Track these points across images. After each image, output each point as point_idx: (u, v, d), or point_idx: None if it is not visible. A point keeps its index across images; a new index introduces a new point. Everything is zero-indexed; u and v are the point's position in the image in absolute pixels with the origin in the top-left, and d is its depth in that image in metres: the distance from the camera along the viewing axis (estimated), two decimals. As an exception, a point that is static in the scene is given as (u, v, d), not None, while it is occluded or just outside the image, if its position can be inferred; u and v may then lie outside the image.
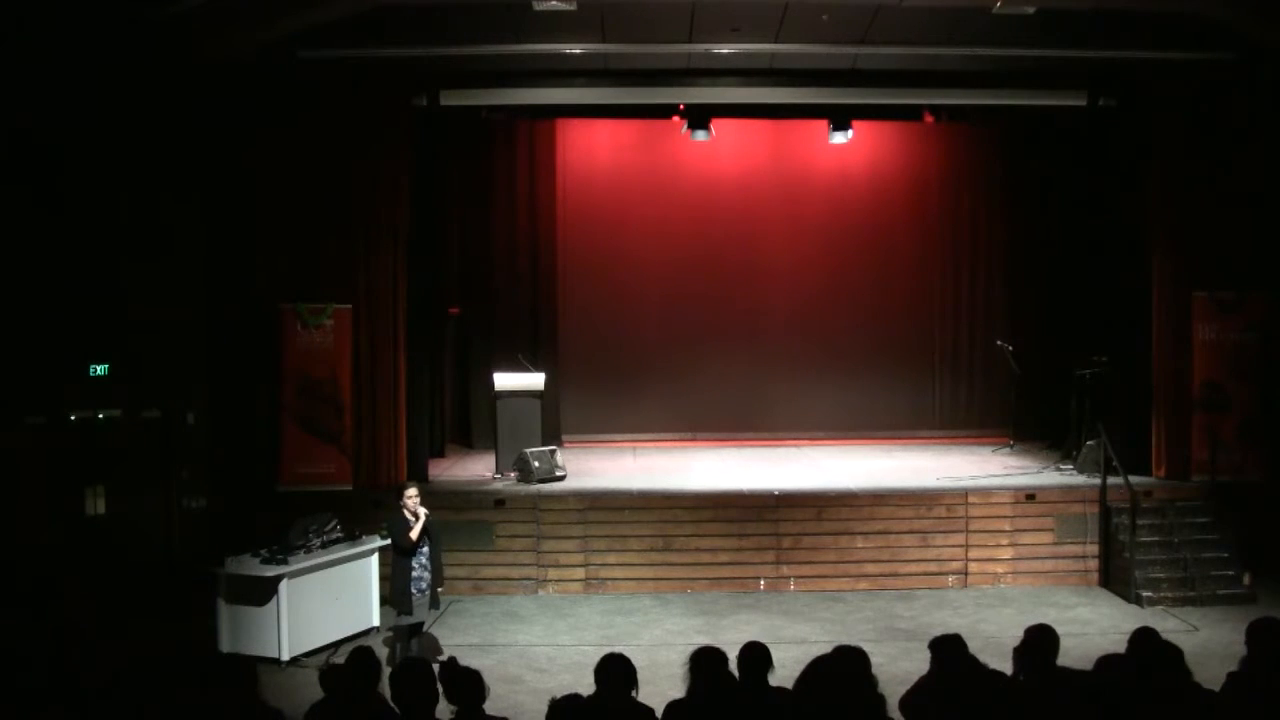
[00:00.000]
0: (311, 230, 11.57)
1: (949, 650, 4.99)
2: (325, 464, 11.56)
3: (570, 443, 14.45)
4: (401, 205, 11.94)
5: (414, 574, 8.56)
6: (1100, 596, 10.96)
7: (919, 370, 15.41)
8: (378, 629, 9.79)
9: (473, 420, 14.62)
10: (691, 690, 4.78)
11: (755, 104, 13.33)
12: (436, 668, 4.62)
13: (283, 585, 8.89)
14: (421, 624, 8.84)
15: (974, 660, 4.95)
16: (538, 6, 9.98)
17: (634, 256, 14.97)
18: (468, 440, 14.60)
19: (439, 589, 8.84)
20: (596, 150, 15.02)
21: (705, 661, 4.82)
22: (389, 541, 8.88)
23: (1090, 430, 12.07)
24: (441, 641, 9.42)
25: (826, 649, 4.82)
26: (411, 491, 8.70)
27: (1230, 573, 10.74)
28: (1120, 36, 11.27)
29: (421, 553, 8.61)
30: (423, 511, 8.57)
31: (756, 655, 4.87)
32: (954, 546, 11.30)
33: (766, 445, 14.60)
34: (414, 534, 8.50)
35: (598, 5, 10.39)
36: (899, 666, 7.26)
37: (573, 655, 9.15)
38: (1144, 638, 4.93)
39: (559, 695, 4.46)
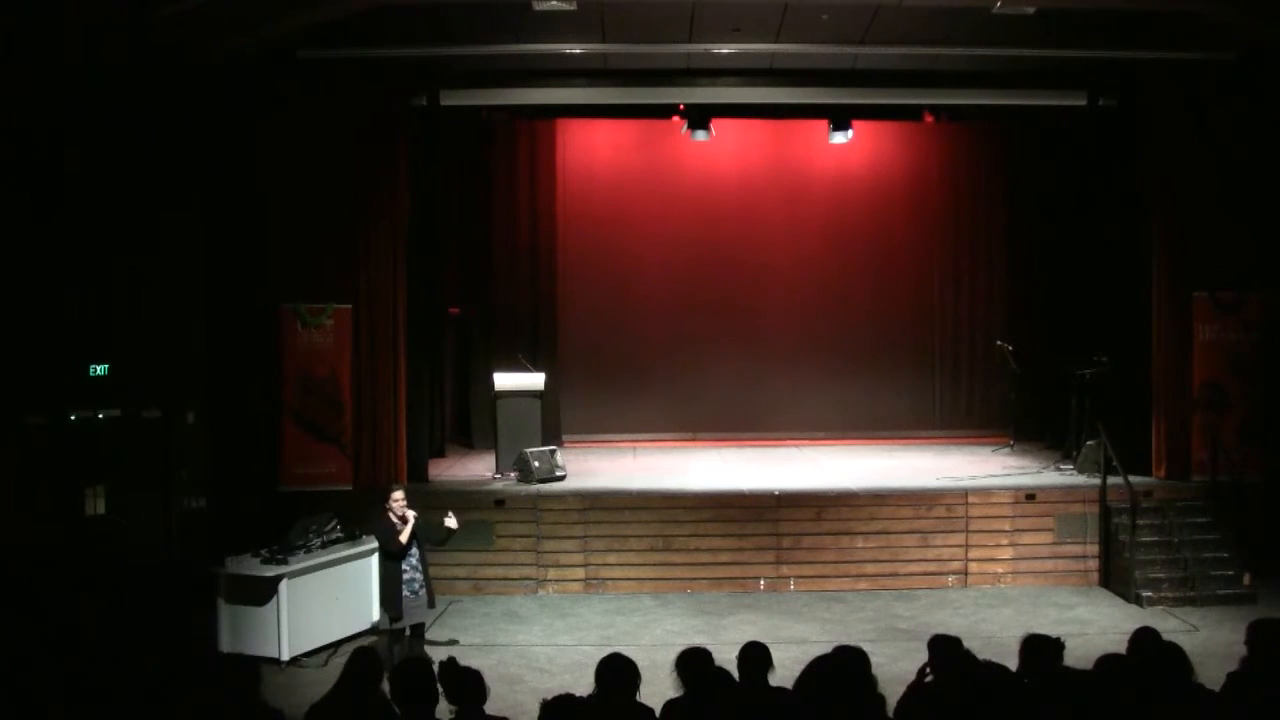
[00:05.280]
0: (311, 230, 11.57)
1: (946, 651, 4.99)
2: (325, 464, 11.57)
3: (570, 443, 14.45)
4: (401, 205, 11.94)
5: (405, 576, 8.49)
6: (1100, 596, 10.95)
7: (919, 370, 15.41)
8: (378, 628, 9.78)
9: (473, 420, 14.62)
10: (687, 690, 4.78)
11: (755, 104, 13.36)
12: (436, 668, 4.62)
13: (283, 585, 8.88)
14: (421, 625, 8.79)
15: (972, 658, 4.95)
16: (538, 6, 9.99)
17: (634, 256, 14.96)
18: (468, 440, 14.60)
19: (449, 519, 8.75)
20: (596, 150, 15.02)
21: (692, 662, 4.82)
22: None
23: (1090, 430, 12.06)
24: (441, 641, 9.41)
25: (826, 649, 4.82)
26: (398, 495, 8.64)
27: (1230, 573, 10.73)
28: (1120, 36, 11.27)
29: (412, 554, 8.56)
30: (411, 514, 8.51)
31: (756, 655, 4.87)
32: (954, 546, 11.30)
33: (766, 445, 14.60)
34: (404, 537, 8.47)
35: (598, 5, 10.39)
36: (899, 666, 7.26)
37: (573, 655, 9.15)
38: (1145, 638, 4.93)
39: (550, 696, 4.45)
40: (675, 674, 4.81)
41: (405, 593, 8.50)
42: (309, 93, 11.50)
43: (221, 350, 11.23)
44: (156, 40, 9.75)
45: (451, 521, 8.76)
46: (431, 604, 8.79)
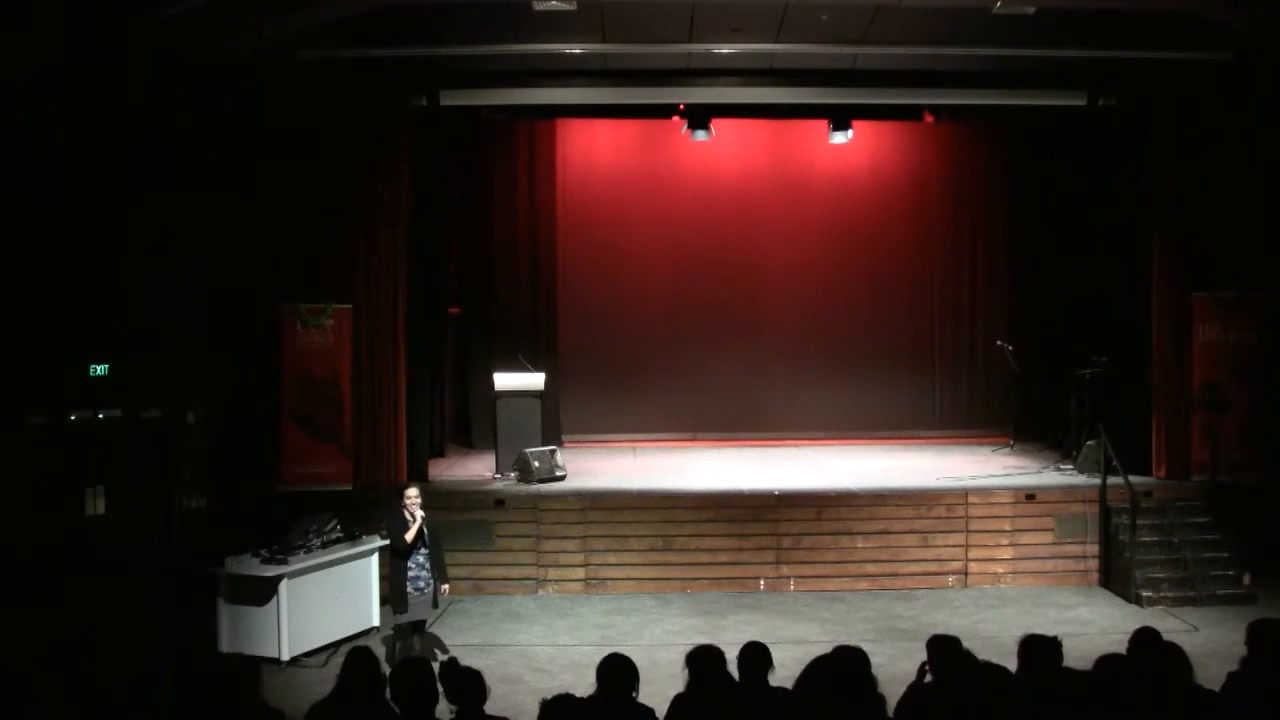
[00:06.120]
0: (311, 230, 11.57)
1: (945, 650, 5.00)
2: (325, 464, 11.56)
3: (570, 443, 14.45)
4: (401, 205, 11.94)
5: (410, 574, 8.58)
6: (1100, 596, 10.96)
7: (919, 370, 15.42)
8: (378, 629, 9.79)
9: (473, 420, 14.62)
10: (692, 686, 4.79)
11: (755, 104, 13.35)
12: (437, 667, 4.62)
13: (283, 585, 8.89)
14: (423, 622, 8.85)
15: (971, 658, 4.94)
16: (538, 6, 9.98)
17: (634, 256, 14.97)
18: (468, 440, 14.60)
19: (444, 589, 8.83)
20: (596, 150, 15.02)
21: (702, 660, 4.83)
22: (388, 541, 8.92)
23: (1090, 430, 12.07)
24: (442, 641, 9.42)
25: (826, 649, 4.83)
26: (412, 492, 8.72)
27: (1230, 573, 10.74)
28: (1120, 36, 11.26)
29: (420, 553, 8.63)
30: (420, 514, 8.58)
31: (756, 655, 4.87)
32: (954, 546, 11.30)
33: (766, 445, 14.60)
34: (409, 536, 8.51)
35: (598, 5, 10.38)
36: (899, 666, 7.26)
37: (573, 655, 9.15)
38: (1145, 638, 4.93)
39: (550, 696, 4.46)
40: (685, 668, 4.83)
41: (410, 590, 8.55)
42: (309, 93, 11.49)
43: (221, 350, 11.22)
44: (157, 40, 9.74)
45: (445, 590, 8.90)
46: (435, 603, 8.85)
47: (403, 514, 8.59)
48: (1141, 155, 12.29)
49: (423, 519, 8.58)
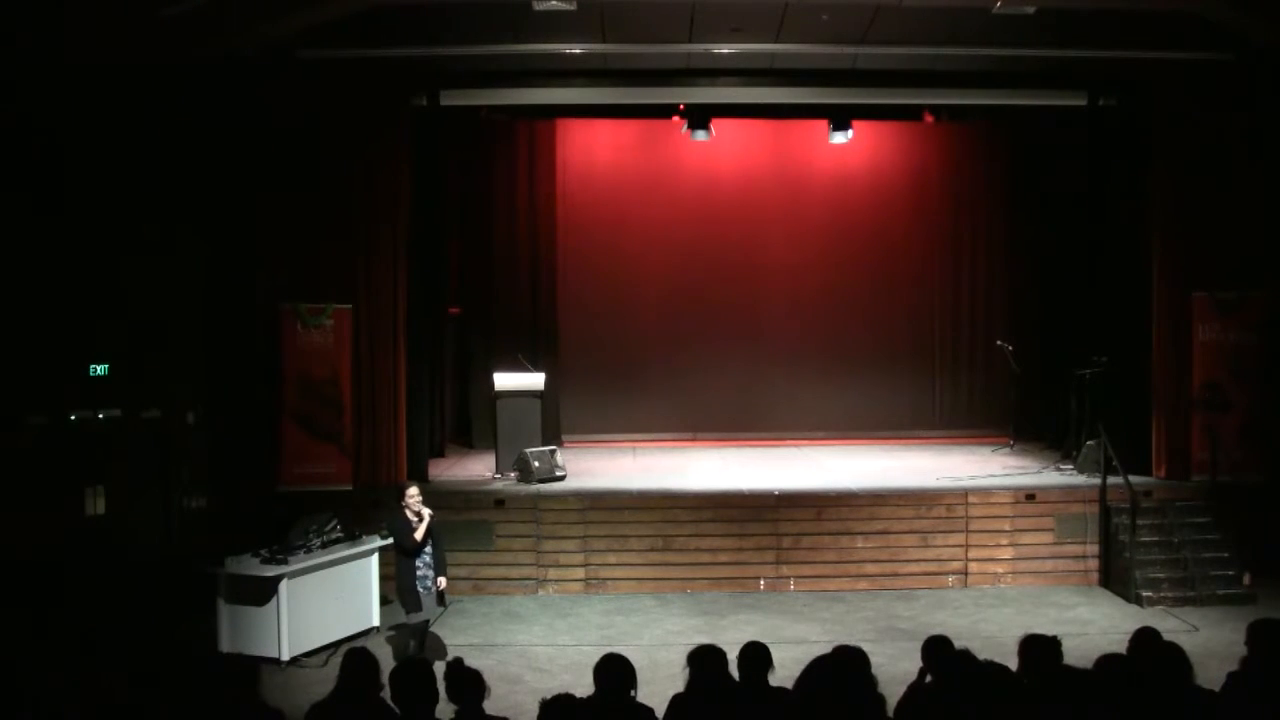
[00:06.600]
0: (311, 230, 11.56)
1: (938, 651, 5.00)
2: (325, 464, 11.55)
3: (570, 443, 14.45)
4: (401, 205, 11.94)
5: (419, 573, 8.62)
6: (1100, 596, 10.95)
7: (919, 370, 15.42)
8: (378, 629, 9.79)
9: (473, 420, 14.62)
10: (692, 685, 4.79)
11: (755, 104, 13.36)
12: (441, 667, 4.63)
13: (283, 585, 8.88)
14: (428, 622, 8.87)
15: (969, 658, 4.95)
16: (538, 6, 9.99)
17: (634, 256, 14.97)
18: (468, 440, 14.60)
19: (440, 581, 8.84)
20: (596, 150, 15.02)
21: (704, 659, 4.83)
22: (390, 541, 8.92)
23: (1090, 430, 12.07)
24: (444, 641, 9.42)
25: (826, 649, 4.83)
26: (413, 491, 8.76)
27: (1230, 573, 10.73)
28: (1120, 36, 11.27)
29: (426, 552, 8.65)
30: (426, 512, 8.62)
31: (756, 655, 4.88)
32: (954, 546, 11.30)
33: (766, 445, 14.59)
34: (419, 534, 8.54)
35: (598, 5, 10.39)
36: (899, 666, 7.26)
37: (573, 655, 9.15)
38: (1145, 638, 4.93)
39: (550, 695, 4.46)
40: (686, 668, 4.84)
41: (419, 589, 8.61)
42: (309, 93, 11.49)
43: (221, 350, 11.24)
44: (158, 40, 9.76)
45: (442, 583, 8.89)
46: (441, 602, 8.87)
47: (404, 513, 8.61)
48: (1141, 155, 12.29)
49: (430, 517, 8.61)
